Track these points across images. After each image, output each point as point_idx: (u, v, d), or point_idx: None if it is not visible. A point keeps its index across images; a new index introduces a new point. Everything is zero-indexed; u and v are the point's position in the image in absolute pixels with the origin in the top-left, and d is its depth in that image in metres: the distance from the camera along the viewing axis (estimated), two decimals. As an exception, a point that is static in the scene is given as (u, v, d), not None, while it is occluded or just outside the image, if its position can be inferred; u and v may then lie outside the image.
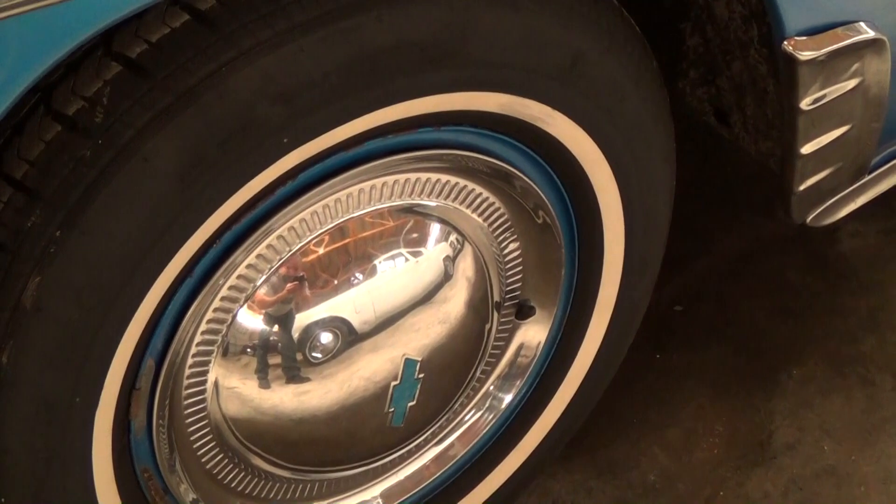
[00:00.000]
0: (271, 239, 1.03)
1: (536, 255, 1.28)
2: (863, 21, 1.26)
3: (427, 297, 1.21)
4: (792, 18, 1.09)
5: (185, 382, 1.07)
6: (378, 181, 1.09)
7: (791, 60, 1.12)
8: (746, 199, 2.20)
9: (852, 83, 1.27)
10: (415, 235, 1.19)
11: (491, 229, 1.23)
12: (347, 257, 1.15)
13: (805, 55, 1.12)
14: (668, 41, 1.47)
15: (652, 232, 1.31)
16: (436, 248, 1.21)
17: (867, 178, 1.58)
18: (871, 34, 1.23)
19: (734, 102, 1.51)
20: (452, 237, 1.21)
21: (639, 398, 1.82)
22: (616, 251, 1.27)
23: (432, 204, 1.16)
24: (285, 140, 0.84)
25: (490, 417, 1.34)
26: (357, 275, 1.15)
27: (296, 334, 1.13)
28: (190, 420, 1.10)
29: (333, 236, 1.11)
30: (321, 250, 1.12)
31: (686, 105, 1.60)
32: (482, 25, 0.94)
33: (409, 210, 1.16)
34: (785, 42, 1.11)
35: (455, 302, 1.25)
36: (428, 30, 0.90)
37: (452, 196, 1.16)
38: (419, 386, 1.22)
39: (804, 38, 1.12)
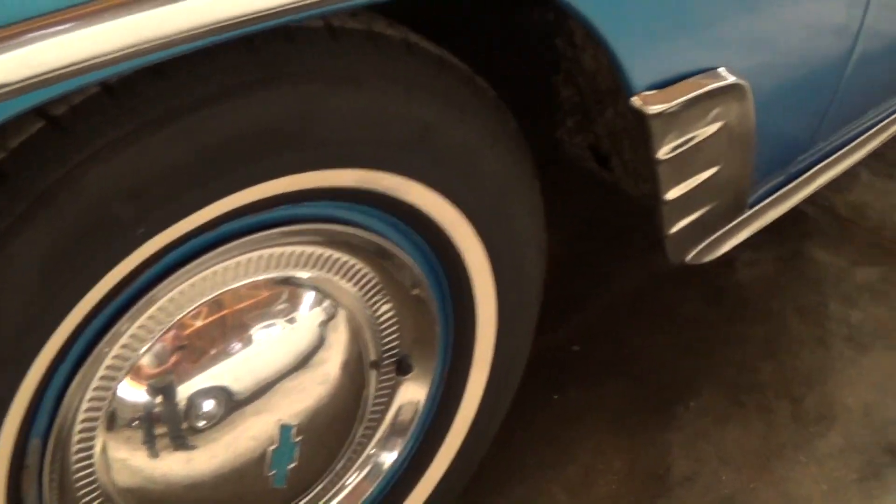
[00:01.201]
0: (151, 312, 1.10)
1: (410, 314, 1.35)
2: (722, 67, 1.37)
3: (304, 362, 1.29)
4: (638, 75, 1.19)
5: (74, 458, 1.13)
6: (251, 255, 1.17)
7: (641, 115, 1.22)
8: (642, 236, 2.32)
9: (714, 127, 1.39)
10: (289, 303, 1.26)
11: (363, 294, 1.31)
12: (224, 327, 1.21)
13: (654, 109, 1.22)
14: (543, 93, 1.59)
15: (524, 284, 1.39)
16: (310, 314, 1.29)
17: (747, 213, 1.71)
18: (729, 80, 1.34)
19: (611, 147, 1.63)
20: (326, 303, 1.28)
21: (536, 439, 1.91)
22: (488, 305, 1.36)
23: (305, 275, 1.24)
24: (141, 231, 0.93)
25: (374, 476, 1.41)
26: (235, 344, 1.22)
27: (179, 403, 1.20)
28: (82, 493, 1.16)
29: (211, 308, 1.18)
30: (199, 322, 1.19)
31: (567, 152, 1.72)
32: (325, 107, 1.01)
33: (284, 281, 1.23)
34: (633, 98, 1.21)
35: (331, 364, 1.33)
36: (270, 117, 0.98)
37: (324, 267, 1.25)
38: (298, 448, 1.28)
39: (653, 92, 1.22)
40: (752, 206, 1.77)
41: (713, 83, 1.30)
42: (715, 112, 1.34)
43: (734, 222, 1.71)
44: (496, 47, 1.54)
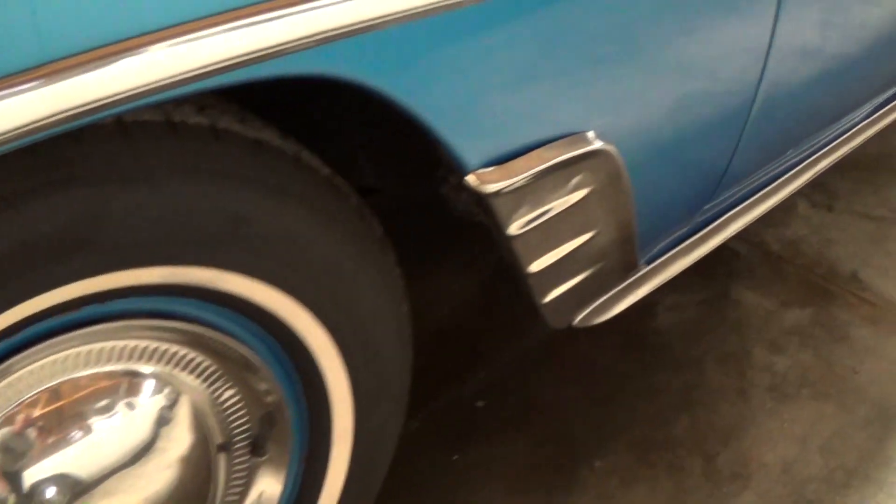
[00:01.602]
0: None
1: (255, 398, 1.28)
2: (587, 131, 1.30)
3: (147, 448, 1.24)
4: (470, 152, 1.12)
5: None
6: (84, 349, 1.13)
7: (478, 195, 1.15)
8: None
9: (578, 196, 1.32)
10: (129, 391, 1.21)
11: (204, 383, 1.26)
12: (63, 415, 1.17)
13: (492, 188, 1.15)
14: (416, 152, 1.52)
15: (380, 362, 1.35)
16: (151, 401, 1.24)
17: (644, 270, 1.64)
18: (587, 147, 1.27)
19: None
20: (167, 389, 1.23)
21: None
22: (340, 386, 1.29)
23: (144, 369, 1.19)
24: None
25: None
26: (75, 431, 1.18)
27: (20, 491, 1.15)
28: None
29: (49, 396, 1.14)
30: (38, 409, 1.14)
31: (454, 208, 1.65)
32: (117, 208, 0.95)
33: (124, 372, 1.18)
34: (467, 177, 1.14)
35: (176, 449, 1.27)
36: (57, 222, 0.92)
37: (161, 360, 1.20)
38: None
39: (490, 169, 1.15)
40: (650, 262, 1.69)
41: (567, 152, 1.23)
42: (575, 181, 1.27)
43: (627, 281, 1.63)
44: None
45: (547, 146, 1.21)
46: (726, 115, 1.59)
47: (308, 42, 0.91)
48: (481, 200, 1.15)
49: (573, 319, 1.57)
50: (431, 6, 0.95)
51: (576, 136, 1.25)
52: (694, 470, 1.91)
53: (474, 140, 1.12)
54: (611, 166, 1.30)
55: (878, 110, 2.56)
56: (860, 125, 2.45)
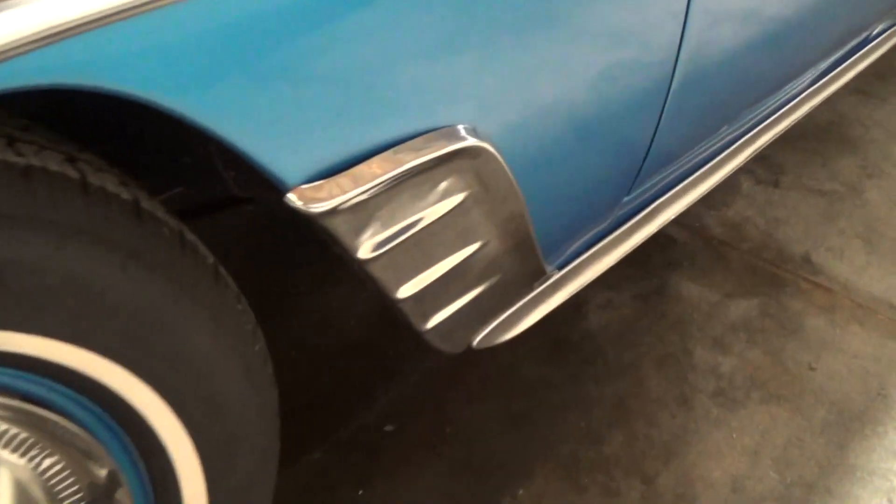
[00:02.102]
0: None
1: (82, 465, 1.09)
2: (455, 126, 1.02)
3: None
4: (286, 167, 0.85)
5: None
6: None
7: (305, 216, 0.88)
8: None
9: (449, 203, 1.06)
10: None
11: (13, 451, 1.04)
12: None
13: (322, 207, 0.88)
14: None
15: (226, 414, 1.13)
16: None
17: (554, 277, 1.38)
18: (456, 145, 1.02)
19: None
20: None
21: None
22: (182, 446, 1.11)
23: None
24: None
25: None
26: None
27: None
28: None
29: None
30: None
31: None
32: None
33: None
34: (288, 195, 0.87)
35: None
36: None
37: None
38: None
39: (318, 183, 0.88)
40: (563, 266, 1.43)
41: (426, 153, 0.96)
42: (444, 186, 1.01)
43: (535, 292, 1.36)
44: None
45: (398, 148, 0.93)
46: (641, 89, 1.34)
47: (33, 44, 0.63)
48: (312, 223, 0.86)
49: (470, 341, 1.30)
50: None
51: (439, 132, 0.98)
52: (631, 494, 1.67)
53: (290, 148, 0.85)
54: (489, 165, 1.04)
55: (824, 76, 2.30)
56: (805, 93, 2.19)
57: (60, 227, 0.87)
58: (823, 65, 2.33)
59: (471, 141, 1.02)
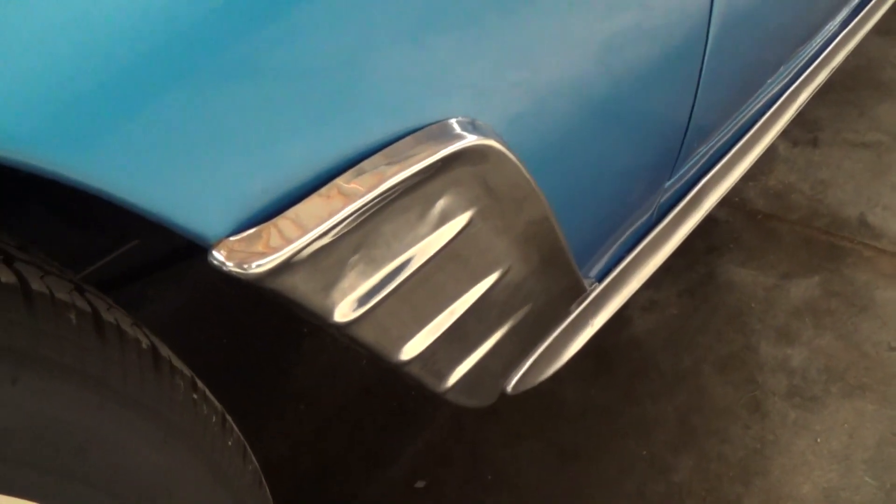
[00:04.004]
0: None
1: None
2: (453, 119, 0.69)
3: None
4: (208, 216, 0.52)
5: None
6: None
7: (242, 279, 0.54)
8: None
9: (456, 225, 0.74)
10: None
11: None
12: None
13: (261, 265, 0.54)
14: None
15: None
16: None
17: (595, 291, 1.05)
18: (451, 147, 0.69)
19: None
20: None
21: None
22: None
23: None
24: None
25: None
26: None
27: None
28: None
29: None
30: None
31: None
32: None
33: None
34: (211, 254, 0.53)
35: None
36: None
37: None
38: None
39: (250, 232, 0.54)
40: (603, 277, 1.09)
41: (411, 165, 0.62)
42: (439, 207, 0.66)
43: (575, 313, 1.02)
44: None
45: (366, 162, 0.59)
46: (674, 55, 1.06)
47: None
48: (256, 287, 0.52)
49: (502, 389, 0.96)
50: None
51: (425, 132, 0.65)
52: (713, 528, 1.31)
53: (209, 191, 0.51)
54: (497, 167, 0.71)
55: (853, 18, 1.96)
56: (836, 39, 1.85)
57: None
58: (849, 8, 1.99)
59: (470, 139, 0.69)
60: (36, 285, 0.62)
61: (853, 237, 1.90)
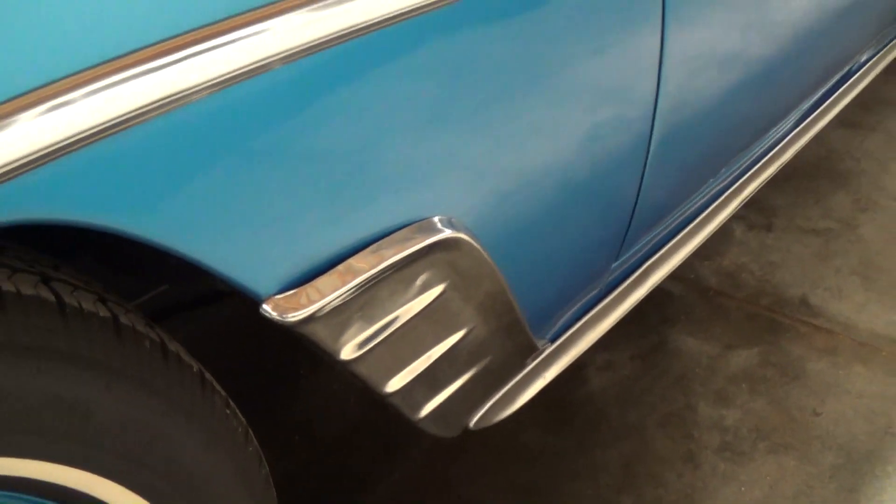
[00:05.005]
0: None
1: None
2: (430, 218, 1.03)
3: None
4: (260, 280, 0.86)
5: None
6: None
7: (282, 326, 0.88)
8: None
9: (430, 296, 1.06)
10: None
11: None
12: None
13: (298, 315, 0.88)
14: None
15: None
16: None
17: (547, 350, 1.38)
18: (430, 238, 1.02)
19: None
20: None
21: None
22: None
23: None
24: None
25: None
26: None
27: None
28: None
29: None
30: None
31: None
32: None
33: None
34: (263, 306, 0.87)
35: None
36: None
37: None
38: None
39: (292, 292, 0.88)
40: (556, 338, 1.43)
41: (401, 251, 0.96)
42: (422, 280, 1.01)
43: (529, 367, 1.36)
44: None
45: (373, 247, 0.94)
46: (619, 151, 1.35)
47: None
48: (290, 331, 0.87)
49: (466, 424, 1.29)
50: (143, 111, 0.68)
51: (414, 227, 0.99)
52: (645, 561, 1.63)
53: (263, 262, 0.86)
54: (466, 254, 1.04)
55: (811, 113, 2.32)
56: (793, 133, 2.20)
57: (38, 351, 0.87)
58: (809, 102, 2.34)
59: (447, 233, 1.03)
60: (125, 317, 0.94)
61: (793, 315, 2.24)
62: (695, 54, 1.47)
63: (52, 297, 0.89)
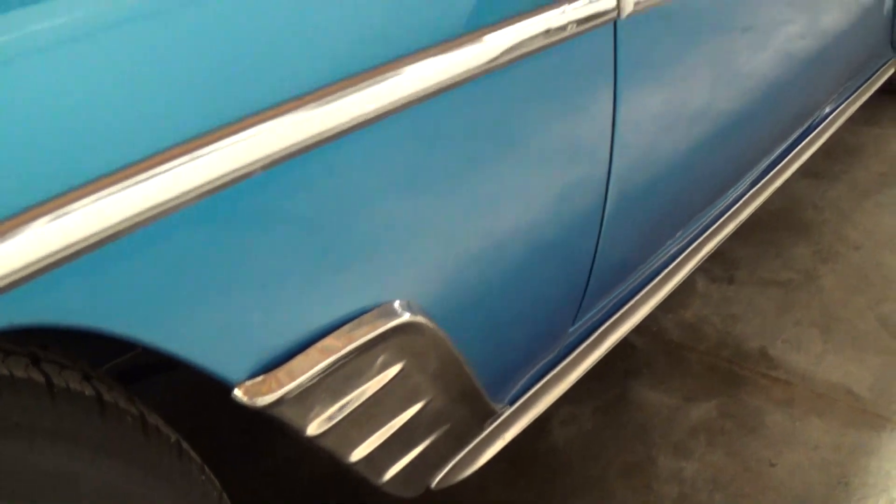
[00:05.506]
0: None
1: None
2: (390, 302, 1.15)
3: None
4: (230, 368, 0.98)
5: None
6: None
7: (252, 408, 1.00)
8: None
9: (390, 374, 1.18)
10: None
11: None
12: None
13: (267, 399, 1.00)
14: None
15: None
16: None
17: (506, 413, 1.50)
18: (389, 324, 1.13)
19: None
20: None
21: None
22: None
23: None
24: None
25: None
26: None
27: None
28: None
29: None
30: None
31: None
32: None
33: None
34: (234, 392, 0.99)
35: None
36: None
37: None
38: None
39: (260, 378, 1.00)
40: (514, 401, 1.55)
41: (361, 336, 1.08)
42: (382, 359, 1.13)
43: (488, 430, 1.48)
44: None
45: (336, 333, 1.06)
46: (573, 220, 1.47)
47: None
48: (260, 413, 0.99)
49: (428, 484, 1.41)
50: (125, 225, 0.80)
51: (374, 312, 1.10)
52: None
53: (234, 351, 0.97)
54: (425, 335, 1.16)
55: (774, 166, 2.45)
56: (755, 188, 2.33)
57: (28, 429, 0.97)
58: (772, 157, 2.46)
59: (406, 317, 1.15)
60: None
61: (752, 367, 2.37)
62: (648, 117, 1.58)
63: (41, 378, 1.01)
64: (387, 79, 1.01)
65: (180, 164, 0.85)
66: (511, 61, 1.16)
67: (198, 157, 0.85)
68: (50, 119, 0.77)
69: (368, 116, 1.00)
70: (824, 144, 2.79)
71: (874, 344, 2.42)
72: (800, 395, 2.24)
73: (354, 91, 0.98)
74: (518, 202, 1.36)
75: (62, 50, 0.78)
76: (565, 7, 1.23)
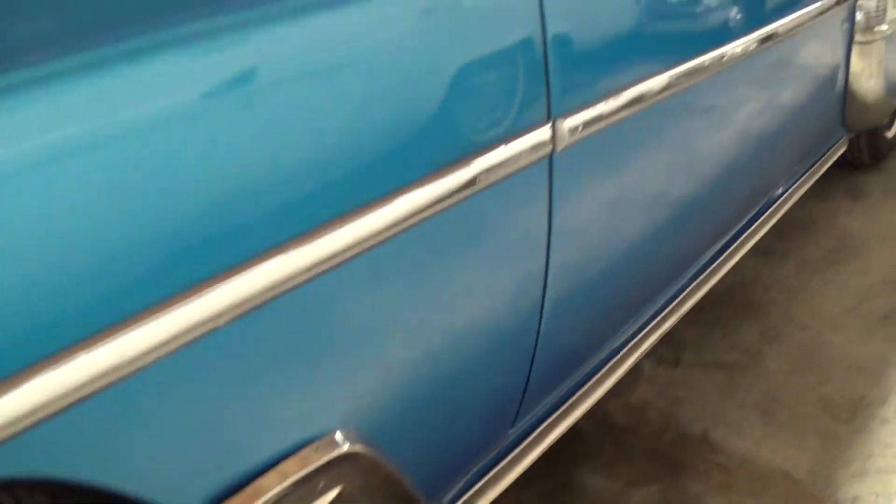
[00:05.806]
0: None
1: None
2: (328, 434, 1.26)
3: None
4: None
5: None
6: None
7: None
8: None
9: (333, 493, 1.28)
10: None
11: None
12: None
13: None
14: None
15: None
16: None
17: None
18: (328, 456, 1.24)
19: None
20: None
21: None
22: None
23: None
24: None
25: None
26: None
27: None
28: None
29: None
30: None
31: None
32: None
33: None
34: None
35: None
36: None
37: None
38: None
39: None
40: (454, 501, 1.66)
41: (302, 468, 1.20)
42: (323, 484, 1.24)
43: None
44: None
45: (278, 468, 1.17)
46: (510, 330, 1.58)
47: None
48: None
49: None
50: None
51: (313, 445, 1.22)
52: None
53: (182, 489, 1.08)
54: (365, 461, 1.27)
55: (725, 249, 2.55)
56: (699, 278, 2.44)
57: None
58: (718, 245, 2.56)
59: (345, 447, 1.25)
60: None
61: (694, 451, 2.48)
62: (584, 223, 1.70)
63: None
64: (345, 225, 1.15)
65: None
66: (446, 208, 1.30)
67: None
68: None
69: (313, 265, 1.13)
70: (775, 223, 2.88)
71: (814, 426, 2.52)
72: (739, 480, 2.34)
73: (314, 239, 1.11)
74: (452, 319, 1.46)
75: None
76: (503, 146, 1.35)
